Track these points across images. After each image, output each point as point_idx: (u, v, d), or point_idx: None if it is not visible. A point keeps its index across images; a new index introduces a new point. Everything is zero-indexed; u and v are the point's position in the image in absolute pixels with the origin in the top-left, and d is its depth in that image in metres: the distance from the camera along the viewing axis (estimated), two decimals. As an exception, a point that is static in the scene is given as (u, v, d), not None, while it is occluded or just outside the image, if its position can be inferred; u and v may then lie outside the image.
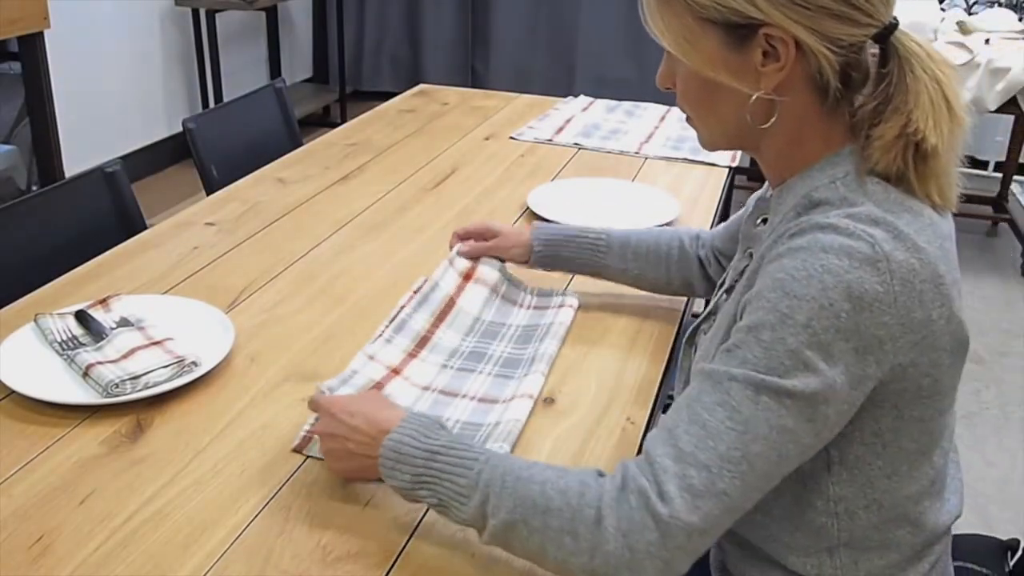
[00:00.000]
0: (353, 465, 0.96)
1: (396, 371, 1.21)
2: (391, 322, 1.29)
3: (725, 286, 1.03)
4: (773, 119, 0.90)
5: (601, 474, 0.86)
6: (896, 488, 0.91)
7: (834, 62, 0.86)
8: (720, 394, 0.82)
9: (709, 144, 0.98)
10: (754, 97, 0.89)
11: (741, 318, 0.85)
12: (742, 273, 0.97)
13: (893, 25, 0.87)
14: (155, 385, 1.14)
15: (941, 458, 0.94)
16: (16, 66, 2.98)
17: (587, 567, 0.81)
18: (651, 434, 0.85)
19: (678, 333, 1.36)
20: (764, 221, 0.98)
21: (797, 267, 0.81)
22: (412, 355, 1.25)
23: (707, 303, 1.11)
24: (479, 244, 1.40)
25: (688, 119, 0.98)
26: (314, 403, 1.02)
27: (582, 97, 2.62)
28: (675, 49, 0.92)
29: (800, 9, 0.84)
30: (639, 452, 0.85)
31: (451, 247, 1.42)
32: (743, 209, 1.24)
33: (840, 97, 0.89)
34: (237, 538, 0.93)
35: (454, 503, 0.87)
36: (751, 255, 0.98)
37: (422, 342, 1.28)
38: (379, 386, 1.16)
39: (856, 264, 0.80)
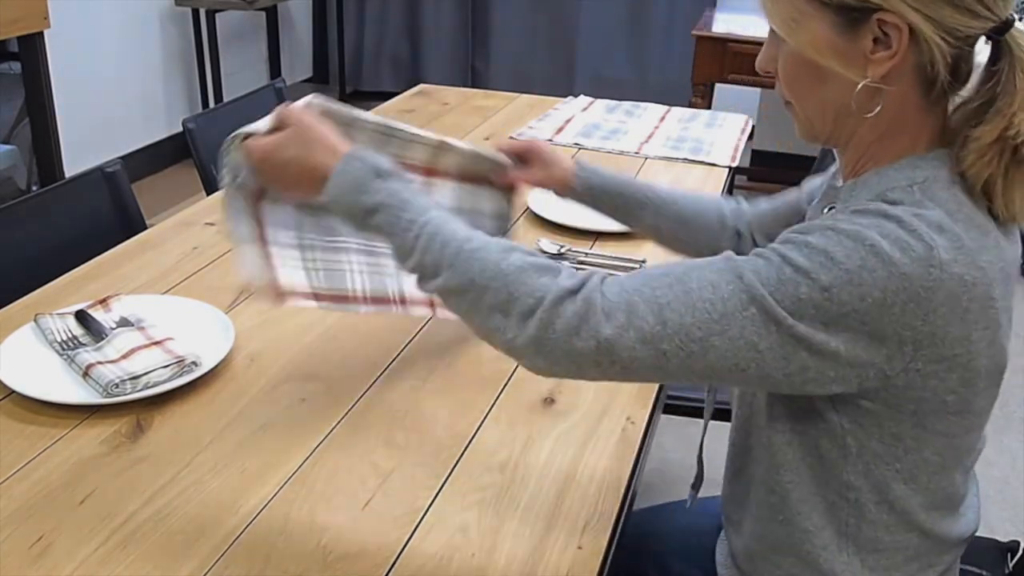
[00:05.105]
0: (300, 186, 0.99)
1: None
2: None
3: None
4: (877, 108, 0.87)
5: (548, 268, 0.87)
6: (911, 495, 0.90)
7: (947, 53, 0.83)
8: (720, 277, 0.82)
9: (807, 134, 0.95)
10: (860, 85, 0.86)
11: (781, 241, 0.84)
12: None
13: (1010, 22, 0.83)
14: (155, 385, 1.14)
15: (962, 475, 0.94)
16: (16, 66, 2.98)
17: (508, 344, 0.85)
18: (645, 269, 0.87)
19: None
20: (831, 209, 0.95)
21: (849, 233, 0.80)
22: None
23: None
24: (525, 175, 1.30)
25: (787, 104, 0.95)
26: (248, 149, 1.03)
27: (582, 97, 2.62)
28: (782, 29, 0.89)
29: None
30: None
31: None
32: (794, 192, 1.20)
33: (944, 92, 0.87)
34: (237, 538, 0.93)
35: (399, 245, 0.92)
36: None
37: None
38: None
39: (907, 261, 0.78)
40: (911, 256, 0.78)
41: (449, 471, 1.05)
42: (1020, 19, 0.85)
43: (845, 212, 0.84)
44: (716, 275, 0.82)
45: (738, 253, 1.32)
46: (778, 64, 0.92)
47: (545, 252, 1.59)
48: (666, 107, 2.53)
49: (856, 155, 0.93)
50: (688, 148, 2.17)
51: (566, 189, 1.28)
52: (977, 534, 1.08)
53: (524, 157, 1.29)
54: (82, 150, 3.36)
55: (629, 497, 1.04)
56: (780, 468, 0.93)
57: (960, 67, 0.86)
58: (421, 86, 2.74)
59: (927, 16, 0.82)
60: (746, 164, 4.16)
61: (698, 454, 1.19)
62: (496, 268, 0.86)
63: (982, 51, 0.86)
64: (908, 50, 0.84)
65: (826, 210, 0.96)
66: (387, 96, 2.73)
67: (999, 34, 0.84)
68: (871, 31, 0.84)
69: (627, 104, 2.55)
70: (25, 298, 1.40)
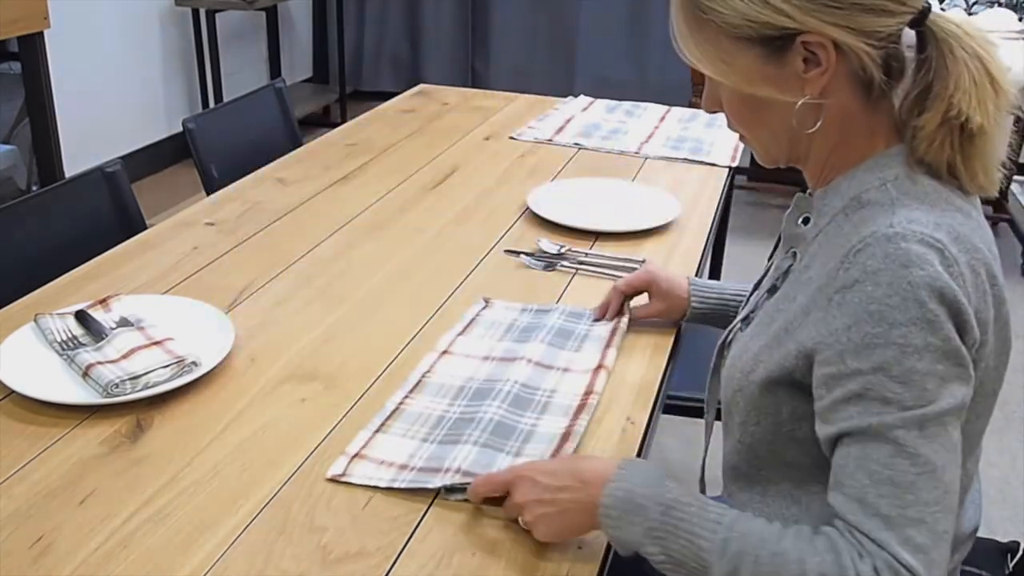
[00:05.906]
0: (566, 523, 0.91)
1: (446, 352, 1.27)
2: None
3: (766, 286, 1.01)
4: (820, 122, 0.89)
5: (834, 538, 0.81)
6: None
7: (875, 56, 0.85)
8: (889, 446, 0.79)
9: (767, 159, 0.97)
10: (799, 104, 0.88)
11: (842, 359, 0.81)
12: (786, 273, 0.96)
13: (927, 8, 0.85)
14: (155, 385, 1.14)
15: (973, 465, 0.94)
16: (16, 66, 2.98)
17: None
18: (844, 512, 0.81)
19: (678, 333, 1.36)
20: (806, 220, 0.96)
21: (887, 293, 0.79)
22: (460, 333, 1.32)
23: (745, 305, 1.09)
24: (645, 310, 1.35)
25: (741, 137, 0.97)
26: (510, 476, 0.95)
27: (582, 97, 2.62)
28: (714, 72, 0.91)
29: (833, 10, 0.82)
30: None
31: (610, 309, 1.35)
32: None
33: (884, 90, 0.88)
34: (237, 538, 0.93)
35: (690, 563, 0.83)
36: (795, 255, 0.96)
37: (464, 331, 1.33)
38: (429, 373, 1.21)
39: (938, 270, 0.79)
40: (936, 264, 0.80)
41: (449, 471, 1.04)
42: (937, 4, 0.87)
43: (853, 264, 0.82)
44: (882, 447, 0.79)
45: None
46: (722, 103, 0.94)
47: (545, 252, 1.59)
48: (666, 107, 2.53)
49: (818, 168, 0.94)
50: (688, 148, 2.17)
51: (685, 316, 1.34)
52: (977, 534, 1.08)
53: (644, 290, 1.35)
54: (82, 150, 3.36)
55: (629, 497, 1.04)
56: (806, 483, 0.93)
57: (892, 64, 0.87)
58: (421, 86, 2.74)
59: (847, 28, 0.83)
60: (746, 164, 4.16)
61: (700, 477, 1.18)
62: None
63: (910, 42, 0.87)
64: (838, 62, 0.85)
65: (800, 221, 0.98)
66: (387, 96, 2.73)
67: (919, 24, 0.85)
68: (798, 53, 0.86)
69: (627, 104, 2.55)
70: (25, 298, 1.40)
